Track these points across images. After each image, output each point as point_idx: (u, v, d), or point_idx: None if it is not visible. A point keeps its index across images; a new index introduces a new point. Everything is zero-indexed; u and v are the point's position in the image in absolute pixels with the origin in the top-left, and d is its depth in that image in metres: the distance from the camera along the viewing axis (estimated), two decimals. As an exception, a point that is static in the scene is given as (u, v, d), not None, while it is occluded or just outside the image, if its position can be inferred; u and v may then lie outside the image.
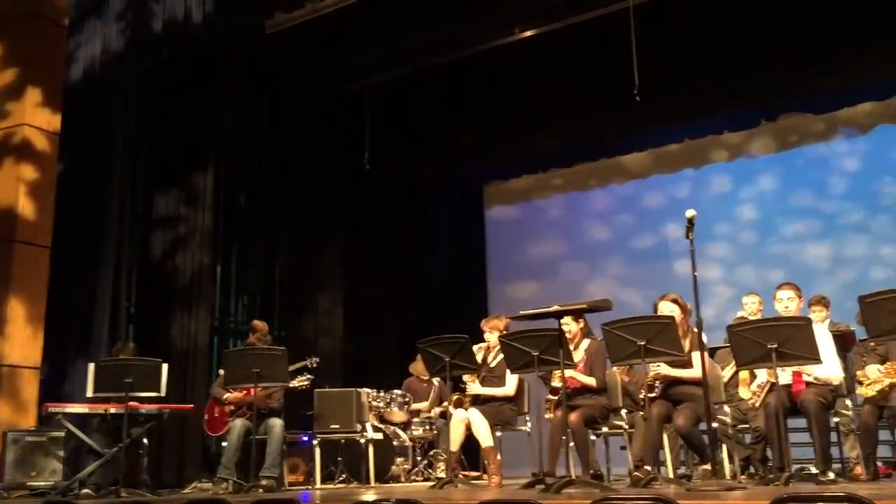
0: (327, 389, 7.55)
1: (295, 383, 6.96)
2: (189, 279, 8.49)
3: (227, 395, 6.78)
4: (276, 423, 6.55)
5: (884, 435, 5.78)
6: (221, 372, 6.91)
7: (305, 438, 7.50)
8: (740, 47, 8.51)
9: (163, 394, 6.29)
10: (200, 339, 8.37)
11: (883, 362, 5.25)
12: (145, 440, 6.64)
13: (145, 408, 6.46)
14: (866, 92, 8.85)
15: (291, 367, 6.87)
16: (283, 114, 9.84)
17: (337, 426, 7.27)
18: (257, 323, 7.36)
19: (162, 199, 8.68)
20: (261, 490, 6.17)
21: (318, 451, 7.18)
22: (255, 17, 8.63)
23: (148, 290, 8.44)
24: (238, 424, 6.57)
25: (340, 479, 7.41)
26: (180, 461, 7.93)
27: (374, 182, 10.27)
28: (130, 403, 6.08)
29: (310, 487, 7.11)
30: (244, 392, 6.70)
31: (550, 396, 6.05)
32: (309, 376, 7.12)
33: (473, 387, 6.44)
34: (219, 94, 8.95)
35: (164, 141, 8.66)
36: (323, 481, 7.28)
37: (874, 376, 5.43)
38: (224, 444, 6.63)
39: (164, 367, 6.24)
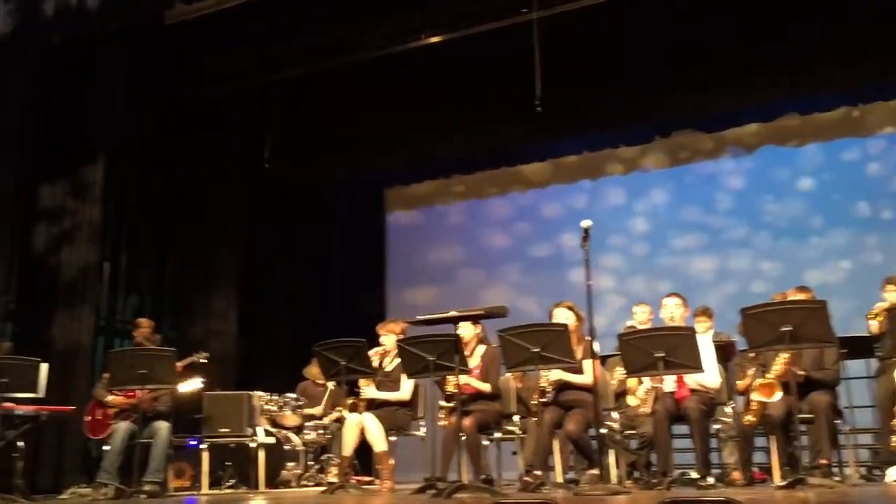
0: (218, 392, 7.37)
1: (186, 389, 6.76)
2: (74, 276, 8.14)
3: (109, 398, 6.52)
4: (162, 427, 6.35)
5: (760, 442, 6.04)
6: (106, 376, 6.65)
7: (193, 442, 7.29)
8: (638, 64, 8.79)
9: (41, 395, 6.01)
10: (84, 339, 8.03)
11: (763, 373, 5.49)
12: (20, 443, 6.30)
13: (21, 409, 6.15)
14: (753, 113, 9.29)
15: (180, 363, 6.69)
16: (182, 107, 9.54)
17: (227, 430, 7.10)
18: (141, 320, 7.13)
19: (47, 191, 8.29)
20: (144, 496, 5.97)
21: (205, 456, 6.99)
22: (153, 6, 8.36)
23: (29, 286, 8.05)
24: (122, 427, 6.35)
25: (229, 484, 7.24)
26: (58, 465, 7.58)
27: (273, 181, 10.08)
28: (5, 404, 5.78)
29: (196, 493, 6.92)
30: (127, 395, 6.47)
31: (444, 403, 6.07)
32: (201, 380, 6.93)
33: (368, 391, 6.41)
34: (113, 83, 8.62)
35: (52, 129, 8.28)
36: (210, 487, 7.09)
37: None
38: (106, 447, 6.38)
39: (44, 367, 5.95)
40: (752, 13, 8.18)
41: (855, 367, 6.99)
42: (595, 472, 5.31)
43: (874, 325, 6.31)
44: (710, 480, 5.39)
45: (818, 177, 9.29)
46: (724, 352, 6.37)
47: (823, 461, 5.15)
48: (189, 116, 9.63)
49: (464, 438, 5.54)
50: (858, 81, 8.56)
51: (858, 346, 6.46)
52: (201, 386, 6.85)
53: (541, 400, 5.53)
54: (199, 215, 9.78)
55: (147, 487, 6.09)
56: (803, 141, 9.41)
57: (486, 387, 5.99)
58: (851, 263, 8.94)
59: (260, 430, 7.21)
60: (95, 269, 8.32)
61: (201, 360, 7.09)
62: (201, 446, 7.04)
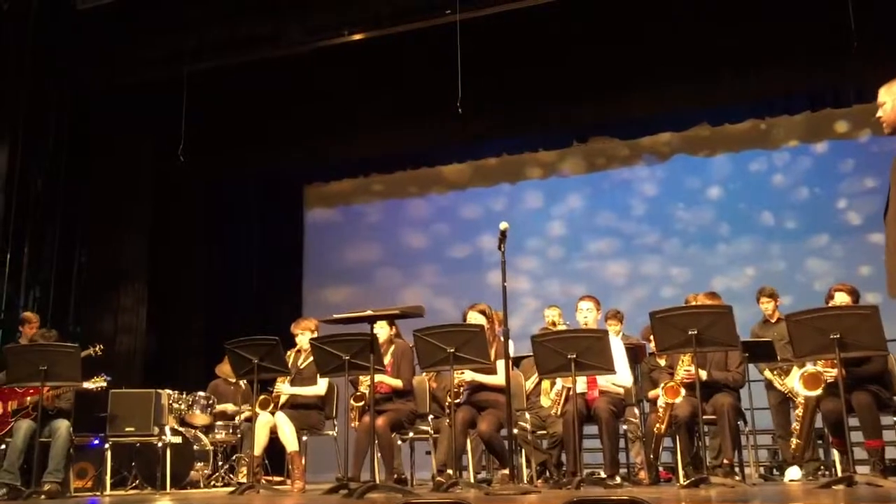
0: (124, 390, 7.15)
1: (90, 384, 6.53)
2: (-27, 267, 7.78)
3: None
4: (62, 425, 6.11)
5: (666, 442, 6.21)
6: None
7: (96, 442, 7.05)
8: (558, 69, 8.93)
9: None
10: (-18, 333, 7.69)
11: (671, 375, 5.64)
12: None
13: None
14: (666, 122, 9.55)
15: None
16: (92, 95, 9.23)
17: (132, 429, 6.89)
18: (28, 314, 6.86)
19: (-55, 178, 7.90)
20: (43, 496, 5.73)
21: (108, 455, 6.77)
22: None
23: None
24: (23, 426, 6.08)
25: (133, 485, 7.03)
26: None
27: (188, 174, 9.83)
28: None
29: (98, 494, 6.69)
30: (27, 392, 6.20)
31: (354, 403, 6.03)
32: (106, 377, 6.70)
33: (282, 386, 6.33)
34: (18, 68, 8.27)
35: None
36: (113, 487, 6.88)
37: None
38: (2, 447, 6.11)
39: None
40: (668, 27, 8.42)
41: (756, 370, 7.24)
42: (506, 471, 5.36)
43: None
44: (618, 480, 5.50)
45: (726, 186, 9.61)
46: (634, 354, 6.53)
47: (725, 461, 5.32)
48: (101, 104, 9.33)
49: (377, 437, 5.51)
50: (766, 96, 8.90)
51: (760, 351, 6.70)
52: (104, 384, 6.62)
53: (454, 401, 5.55)
54: (108, 206, 9.47)
55: (46, 487, 5.85)
56: (713, 151, 9.73)
57: (398, 382, 5.99)
58: (756, 270, 9.28)
59: (167, 430, 7.02)
60: (-4, 260, 7.98)
61: (96, 354, 6.87)
62: (105, 445, 6.82)
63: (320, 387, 6.34)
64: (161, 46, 8.96)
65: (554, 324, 6.78)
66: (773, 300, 6.74)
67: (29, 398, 6.22)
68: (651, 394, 5.89)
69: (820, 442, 6.31)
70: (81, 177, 9.28)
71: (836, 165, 9.24)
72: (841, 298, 5.58)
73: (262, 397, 6.27)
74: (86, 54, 8.97)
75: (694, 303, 6.10)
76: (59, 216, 9.10)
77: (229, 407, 7.82)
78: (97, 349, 6.90)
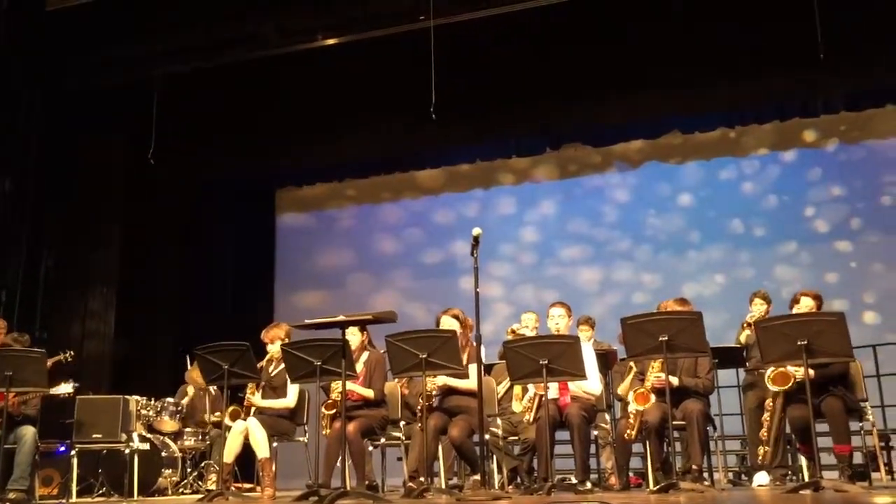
0: (91, 396, 7.06)
1: (58, 390, 6.43)
2: (-65, 270, 7.64)
3: None
4: (28, 431, 6.01)
5: (636, 448, 6.24)
6: None
7: (62, 448, 6.95)
8: (531, 76, 8.97)
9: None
10: (-55, 338, 7.53)
11: (641, 380, 5.65)
12: None
13: None
14: (638, 130, 9.63)
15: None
16: (61, 97, 9.11)
17: (99, 435, 6.80)
18: None
19: None
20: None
21: (75, 462, 6.68)
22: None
23: None
24: (-13, 433, 5.97)
25: (100, 492, 6.94)
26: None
27: (159, 178, 9.72)
28: None
29: (64, 501, 6.58)
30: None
31: (325, 411, 6.00)
32: (74, 384, 6.61)
33: (255, 399, 6.27)
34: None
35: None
36: (79, 495, 6.78)
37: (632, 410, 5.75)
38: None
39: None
40: (640, 37, 8.50)
41: (725, 376, 7.32)
42: (478, 477, 5.36)
43: (744, 336, 6.65)
44: (588, 485, 5.53)
45: (697, 193, 9.71)
46: (605, 360, 6.56)
47: (695, 466, 5.36)
48: (70, 106, 9.21)
49: (347, 444, 5.48)
50: (736, 104, 9.02)
51: (729, 357, 6.77)
52: (72, 390, 6.52)
53: (426, 405, 5.53)
54: (77, 209, 9.35)
55: (11, 495, 5.76)
56: (684, 158, 9.82)
57: (369, 393, 5.96)
58: (725, 277, 9.37)
59: (135, 436, 6.94)
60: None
61: (67, 360, 6.79)
62: (71, 452, 6.72)
63: (290, 399, 6.30)
64: (133, 48, 8.87)
65: (514, 332, 6.82)
66: (766, 303, 6.75)
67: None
68: (621, 389, 5.86)
69: (788, 447, 6.37)
70: (51, 178, 9.15)
71: (803, 174, 9.37)
72: (806, 303, 5.70)
73: (232, 408, 6.20)
74: (57, 55, 8.86)
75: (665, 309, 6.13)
76: (28, 218, 8.97)
77: (196, 382, 7.54)
78: (67, 355, 6.83)
